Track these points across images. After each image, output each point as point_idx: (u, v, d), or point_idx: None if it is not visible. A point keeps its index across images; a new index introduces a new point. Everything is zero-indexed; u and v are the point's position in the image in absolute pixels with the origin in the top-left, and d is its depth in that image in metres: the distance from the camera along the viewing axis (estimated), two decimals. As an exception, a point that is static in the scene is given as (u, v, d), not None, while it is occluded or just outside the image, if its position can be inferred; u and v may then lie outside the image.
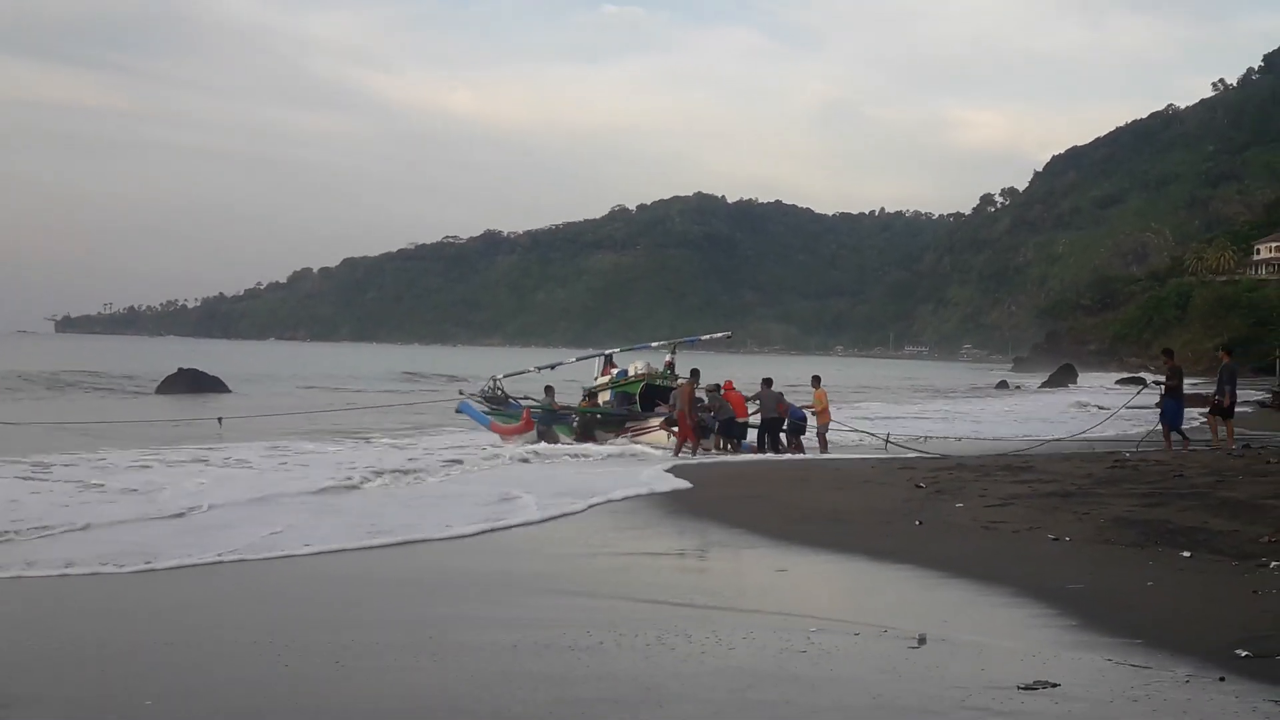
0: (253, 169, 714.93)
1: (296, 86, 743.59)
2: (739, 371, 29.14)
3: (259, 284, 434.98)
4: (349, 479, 18.61)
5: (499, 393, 29.28)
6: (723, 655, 7.46)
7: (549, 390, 28.76)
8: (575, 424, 27.46)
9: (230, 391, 50.65)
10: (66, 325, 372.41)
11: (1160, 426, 23.64)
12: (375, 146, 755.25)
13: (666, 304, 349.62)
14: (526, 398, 29.12)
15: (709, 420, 25.91)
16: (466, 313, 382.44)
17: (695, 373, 26.63)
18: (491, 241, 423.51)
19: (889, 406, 49.33)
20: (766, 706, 6.37)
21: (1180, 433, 23.22)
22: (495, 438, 27.23)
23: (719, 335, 36.94)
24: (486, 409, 28.90)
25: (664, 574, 11.14)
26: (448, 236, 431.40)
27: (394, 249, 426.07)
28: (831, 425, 27.03)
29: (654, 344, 32.36)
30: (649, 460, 22.92)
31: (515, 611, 8.96)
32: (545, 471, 21.15)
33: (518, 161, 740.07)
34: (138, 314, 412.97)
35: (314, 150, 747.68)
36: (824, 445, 26.23)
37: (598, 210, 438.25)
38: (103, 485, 17.03)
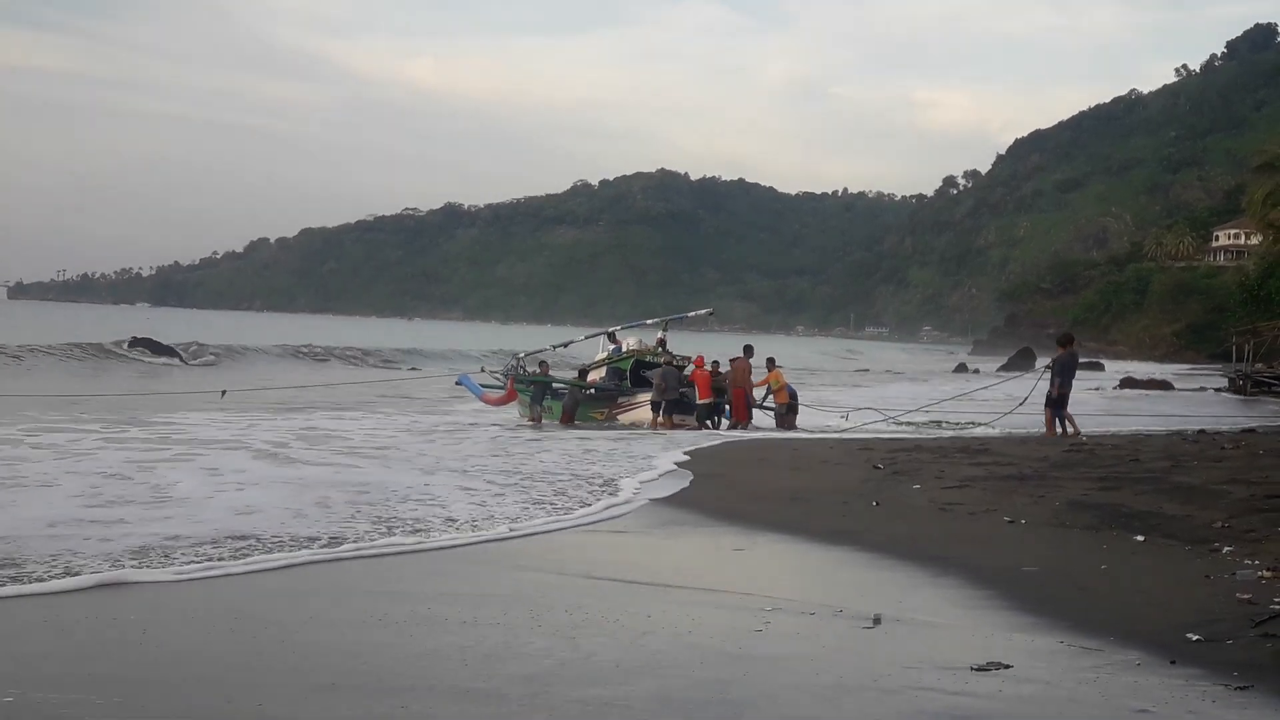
0: (211, 136, 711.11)
1: (257, 53, 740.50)
2: (704, 349, 29.13)
3: (215, 253, 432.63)
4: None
5: (522, 371, 29.30)
6: (677, 634, 7.45)
7: (543, 365, 28.83)
8: (564, 398, 27.45)
9: (188, 364, 50.47)
10: (19, 291, 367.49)
11: (1045, 413, 23.79)
12: (335, 115, 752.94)
13: (628, 281, 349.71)
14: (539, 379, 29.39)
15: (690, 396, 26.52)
16: (426, 286, 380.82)
17: (749, 349, 27.48)
18: (452, 214, 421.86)
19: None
20: (721, 685, 6.36)
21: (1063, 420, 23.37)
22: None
23: (702, 312, 37.81)
24: (488, 380, 29.20)
25: (617, 551, 11.12)
26: (407, 208, 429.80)
27: (353, 220, 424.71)
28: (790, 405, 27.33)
29: (649, 321, 32.66)
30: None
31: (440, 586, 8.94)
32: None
33: (479, 133, 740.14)
34: (92, 281, 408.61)
35: (273, 118, 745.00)
36: (787, 424, 26.63)
37: (560, 185, 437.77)
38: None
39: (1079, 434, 22.49)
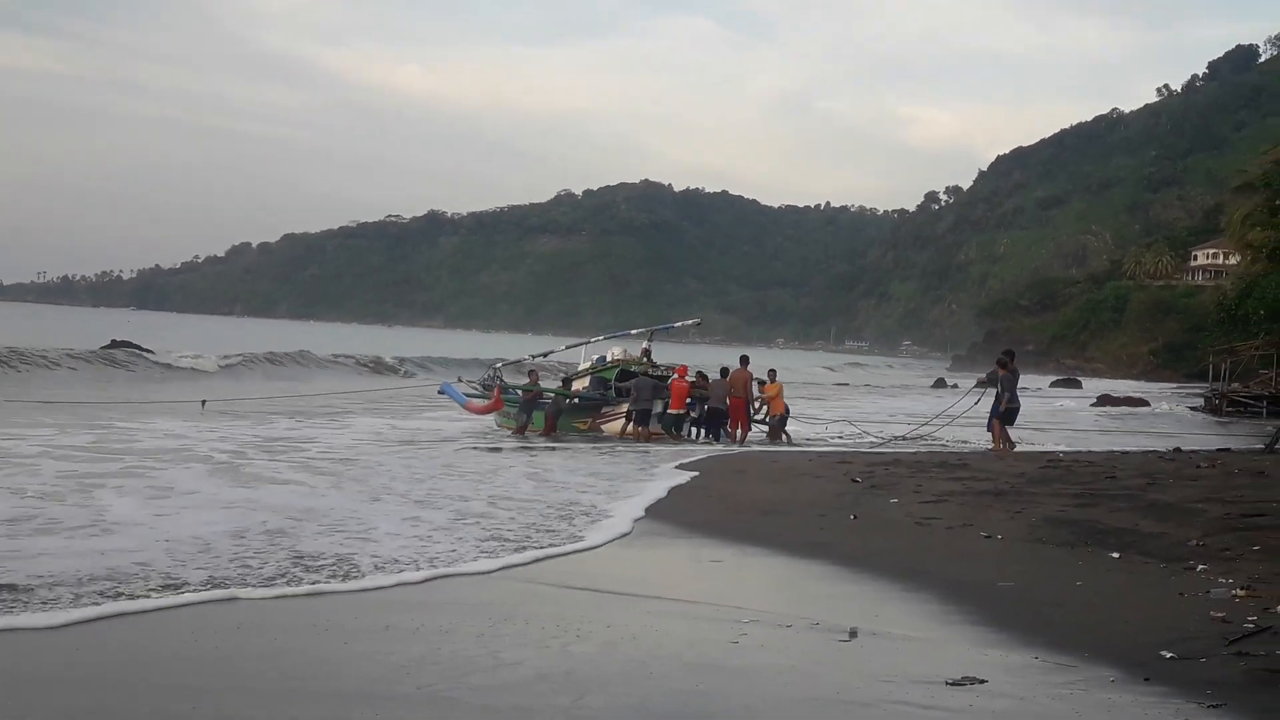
0: (195, 140, 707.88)
1: (243, 57, 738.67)
2: (686, 360, 29.17)
3: (196, 257, 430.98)
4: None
5: (499, 381, 29.15)
6: (654, 644, 7.46)
7: (533, 374, 28.36)
8: (548, 408, 27.28)
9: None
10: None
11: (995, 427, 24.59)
12: (320, 121, 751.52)
13: (609, 291, 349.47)
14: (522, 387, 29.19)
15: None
16: (408, 293, 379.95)
17: (744, 359, 27.39)
18: (435, 222, 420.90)
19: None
20: (698, 696, 6.37)
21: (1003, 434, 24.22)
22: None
23: (690, 323, 37.65)
24: (467, 389, 28.90)
25: (592, 564, 11.08)
26: (390, 215, 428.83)
27: (335, 226, 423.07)
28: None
29: (633, 331, 32.53)
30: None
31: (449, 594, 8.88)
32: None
33: (464, 141, 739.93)
34: (72, 284, 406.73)
35: (258, 123, 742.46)
36: (776, 436, 26.66)
37: (543, 194, 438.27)
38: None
39: (1013, 448, 23.51)
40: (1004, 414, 24.25)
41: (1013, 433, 24.66)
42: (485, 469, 18.58)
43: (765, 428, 27.16)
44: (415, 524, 12.36)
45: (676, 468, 19.34)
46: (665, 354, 30.51)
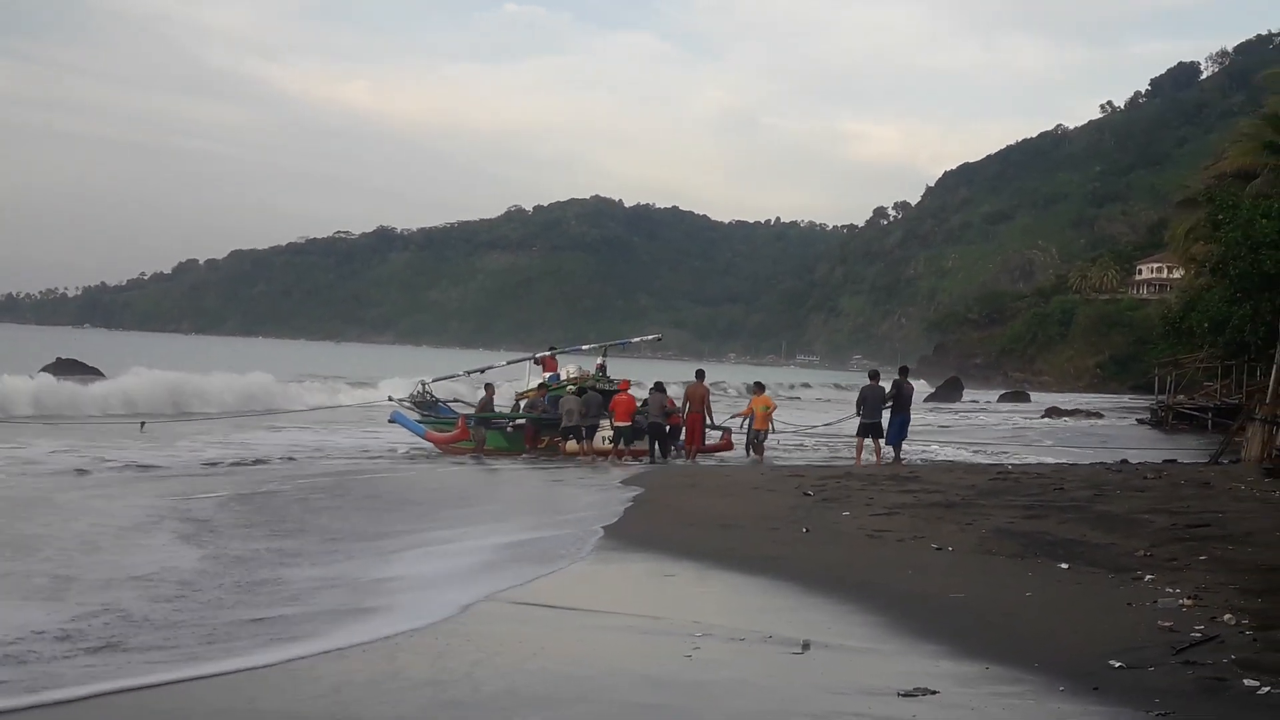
0: (141, 157, 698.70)
1: (189, 75, 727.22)
2: (638, 375, 29.10)
3: (143, 274, 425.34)
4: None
5: (428, 397, 28.68)
6: (608, 660, 7.45)
7: (489, 388, 27.78)
8: (509, 430, 26.92)
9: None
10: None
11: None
12: (267, 137, 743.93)
13: (560, 306, 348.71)
14: (456, 400, 28.68)
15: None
16: (357, 309, 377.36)
17: (700, 373, 27.15)
18: (384, 238, 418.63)
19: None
20: (651, 710, 6.37)
21: (893, 446, 24.47)
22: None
23: (650, 337, 37.22)
24: (419, 416, 28.15)
25: (546, 581, 10.92)
26: (339, 231, 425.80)
27: (284, 242, 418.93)
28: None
29: (584, 347, 32.21)
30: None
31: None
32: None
33: (413, 157, 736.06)
34: (16, 301, 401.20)
35: (204, 139, 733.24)
36: (753, 451, 26.13)
37: (494, 210, 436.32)
38: None
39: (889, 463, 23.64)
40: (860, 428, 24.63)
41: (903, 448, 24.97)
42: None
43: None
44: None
45: (625, 483, 19.32)
46: (618, 369, 30.37)
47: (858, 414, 24.70)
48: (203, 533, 13.04)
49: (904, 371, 26.21)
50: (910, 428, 25.93)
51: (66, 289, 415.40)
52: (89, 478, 18.68)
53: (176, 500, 15.84)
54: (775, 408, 27.18)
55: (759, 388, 27.57)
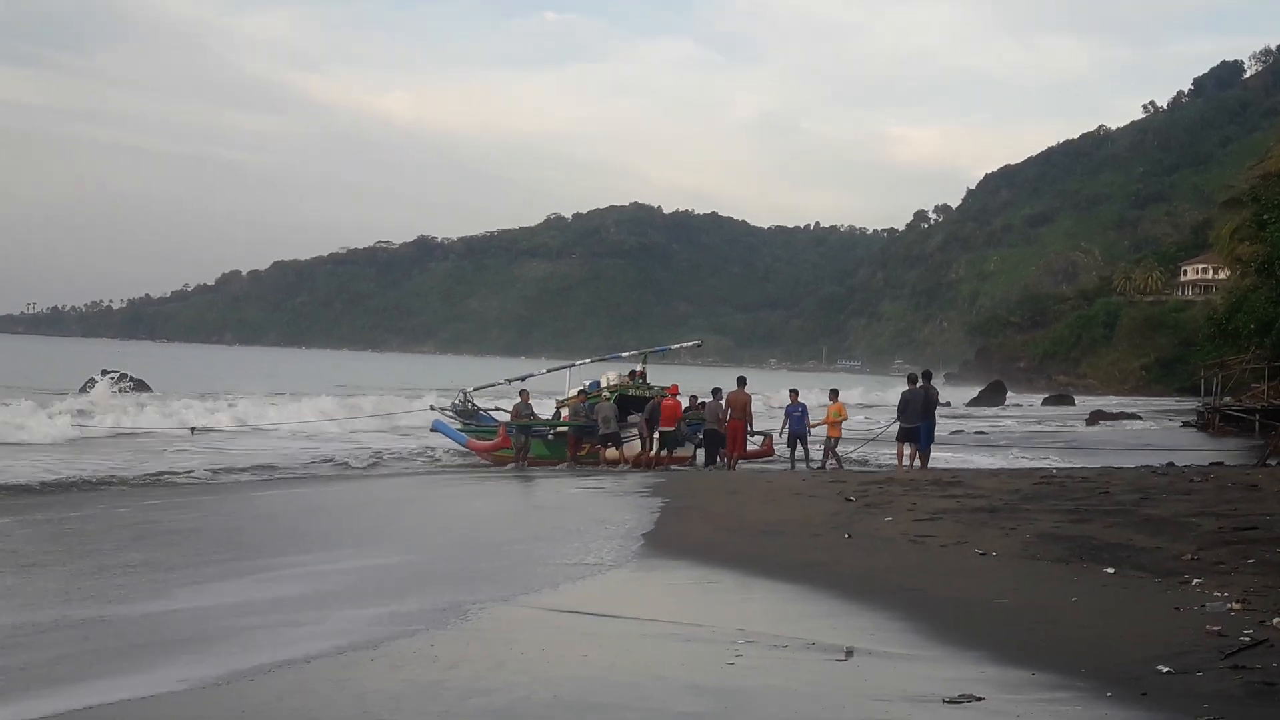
0: (183, 169, 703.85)
1: (230, 86, 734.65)
2: (683, 381, 29.00)
3: (186, 286, 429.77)
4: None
5: (469, 406, 28.79)
6: (650, 667, 7.43)
7: (524, 395, 27.77)
8: (551, 438, 26.97)
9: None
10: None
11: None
12: (308, 148, 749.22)
13: (600, 314, 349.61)
14: (497, 409, 28.78)
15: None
16: (398, 319, 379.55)
17: (741, 380, 27.01)
18: (425, 247, 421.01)
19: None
20: (693, 718, 6.35)
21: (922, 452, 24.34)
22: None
23: (690, 344, 37.17)
24: (460, 425, 28.23)
25: (587, 589, 10.96)
26: (380, 241, 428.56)
27: (325, 253, 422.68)
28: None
29: (624, 354, 32.21)
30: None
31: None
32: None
33: (452, 167, 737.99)
34: (61, 314, 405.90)
35: (246, 151, 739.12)
36: (829, 457, 25.97)
37: (533, 218, 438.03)
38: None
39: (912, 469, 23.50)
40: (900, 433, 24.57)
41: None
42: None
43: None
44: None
45: (660, 491, 19.28)
46: (659, 376, 30.37)
47: (898, 419, 24.57)
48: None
49: (927, 376, 25.85)
50: (938, 432, 26.08)
51: (111, 301, 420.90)
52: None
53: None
54: (847, 417, 27.18)
55: (834, 395, 27.12)
